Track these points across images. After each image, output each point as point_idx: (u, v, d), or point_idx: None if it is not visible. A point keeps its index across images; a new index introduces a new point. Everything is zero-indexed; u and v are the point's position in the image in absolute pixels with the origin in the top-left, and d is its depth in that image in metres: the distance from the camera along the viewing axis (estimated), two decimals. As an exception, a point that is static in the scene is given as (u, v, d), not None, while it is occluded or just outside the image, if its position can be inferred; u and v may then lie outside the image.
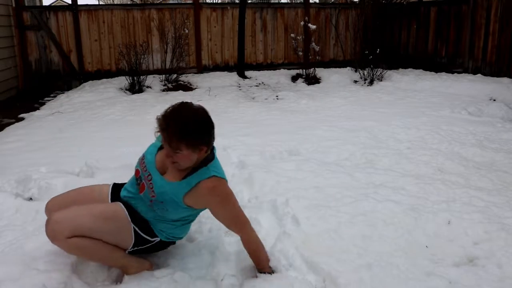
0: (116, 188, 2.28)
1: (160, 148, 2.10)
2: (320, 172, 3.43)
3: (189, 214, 2.14)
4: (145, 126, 5.33)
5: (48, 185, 3.09)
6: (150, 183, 2.03)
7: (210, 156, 2.09)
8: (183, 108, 1.96)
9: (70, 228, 1.89)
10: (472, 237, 2.46)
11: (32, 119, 5.96)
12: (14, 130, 5.25)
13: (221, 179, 2.05)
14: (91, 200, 2.18)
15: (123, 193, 2.18)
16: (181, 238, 2.27)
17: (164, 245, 2.21)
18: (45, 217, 2.69)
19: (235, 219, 2.12)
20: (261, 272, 2.15)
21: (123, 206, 2.08)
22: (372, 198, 2.91)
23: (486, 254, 2.30)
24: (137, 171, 2.12)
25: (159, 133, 1.95)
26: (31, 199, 3.00)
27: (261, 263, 2.16)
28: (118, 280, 2.08)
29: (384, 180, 3.33)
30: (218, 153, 3.96)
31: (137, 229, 2.06)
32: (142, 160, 2.13)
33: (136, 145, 4.34)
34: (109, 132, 4.99)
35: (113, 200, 2.20)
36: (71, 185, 3.14)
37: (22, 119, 6.02)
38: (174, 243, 2.27)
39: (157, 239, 2.13)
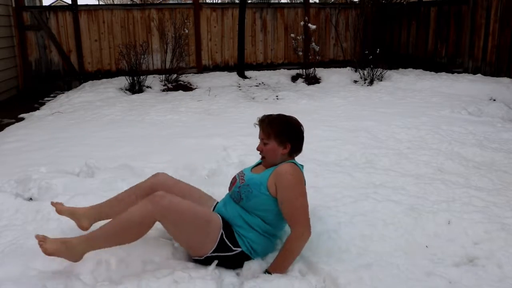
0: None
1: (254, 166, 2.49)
2: (320, 172, 3.43)
3: (268, 209, 2.21)
4: (145, 126, 5.36)
5: (48, 185, 3.09)
6: (242, 175, 2.35)
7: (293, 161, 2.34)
8: (281, 114, 2.40)
9: (168, 208, 2.09)
10: (472, 237, 2.46)
11: (32, 119, 5.96)
12: (14, 130, 5.25)
13: (300, 170, 2.26)
14: (197, 200, 2.39)
15: (217, 206, 2.39)
16: (258, 254, 2.25)
17: (242, 258, 2.21)
18: (44, 217, 2.70)
19: (296, 211, 2.14)
20: (267, 272, 2.14)
21: (219, 215, 2.27)
22: (372, 198, 2.91)
23: (486, 254, 2.30)
24: (233, 177, 2.44)
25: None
26: (31, 199, 3.00)
27: (279, 266, 2.14)
28: (119, 280, 2.08)
29: (384, 180, 3.33)
30: (218, 153, 3.98)
31: (224, 235, 2.18)
32: (239, 172, 2.46)
33: (136, 145, 4.36)
34: (109, 132, 4.99)
35: None
36: (71, 185, 3.15)
37: (22, 119, 6.02)
38: (250, 258, 2.24)
39: (239, 249, 2.18)
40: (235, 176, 2.43)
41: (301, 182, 2.22)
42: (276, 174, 2.20)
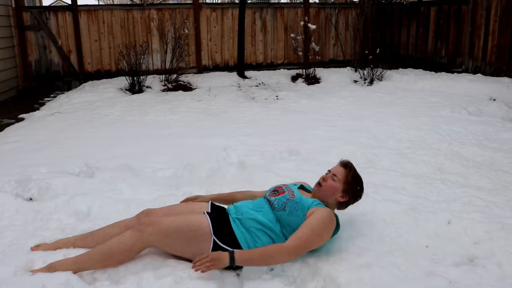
0: (213, 206, 2.50)
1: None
2: (320, 172, 3.40)
3: (294, 230, 2.23)
4: (145, 126, 5.36)
5: (48, 185, 3.09)
6: (292, 191, 2.40)
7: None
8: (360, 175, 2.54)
9: (153, 233, 2.15)
10: (472, 237, 2.46)
11: (32, 119, 5.97)
12: (14, 130, 5.26)
13: (335, 221, 2.32)
14: (187, 208, 2.43)
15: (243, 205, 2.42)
16: None
17: None
18: (44, 218, 2.71)
19: (306, 236, 2.17)
20: (231, 256, 2.08)
21: (208, 218, 2.25)
22: (372, 198, 2.91)
23: (486, 254, 2.29)
24: (279, 186, 2.48)
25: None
26: (31, 199, 3.00)
27: (248, 257, 2.11)
28: (119, 280, 2.08)
29: (384, 180, 3.33)
30: (218, 153, 3.98)
31: (217, 240, 2.19)
32: (285, 185, 2.51)
33: (136, 145, 4.36)
34: (109, 132, 4.99)
35: (213, 210, 2.44)
36: (71, 185, 3.15)
37: (22, 119, 6.03)
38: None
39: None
40: (282, 186, 2.47)
41: (329, 228, 2.26)
42: (318, 209, 2.28)
